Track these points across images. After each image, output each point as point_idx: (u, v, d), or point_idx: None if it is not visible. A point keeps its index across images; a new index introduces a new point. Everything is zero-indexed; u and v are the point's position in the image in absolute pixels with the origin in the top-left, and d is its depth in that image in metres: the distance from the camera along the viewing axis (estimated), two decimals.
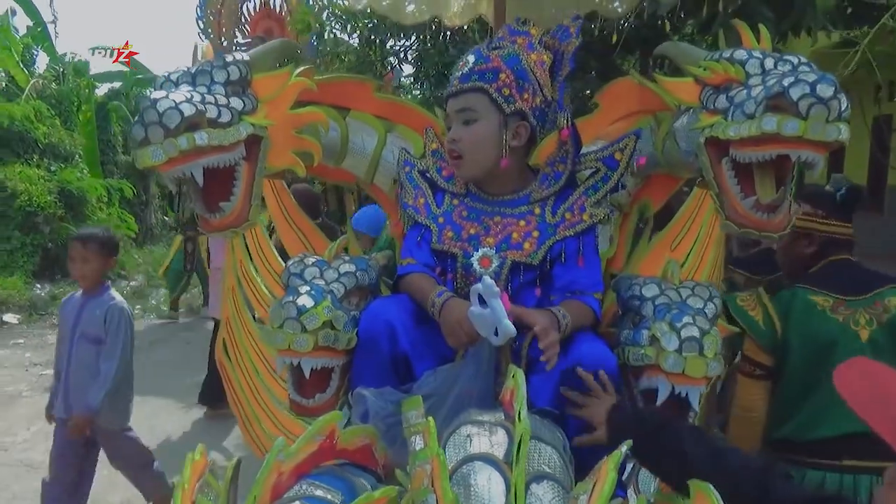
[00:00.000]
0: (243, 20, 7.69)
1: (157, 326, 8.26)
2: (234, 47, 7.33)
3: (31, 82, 13.24)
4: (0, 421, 5.04)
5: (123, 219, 11.85)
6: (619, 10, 2.91)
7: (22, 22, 15.59)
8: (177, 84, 1.77)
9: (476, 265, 1.89)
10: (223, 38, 7.54)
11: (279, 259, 2.47)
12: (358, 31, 8.57)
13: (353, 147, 2.31)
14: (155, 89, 1.76)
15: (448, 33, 6.84)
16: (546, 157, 2.03)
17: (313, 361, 1.77)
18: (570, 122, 1.93)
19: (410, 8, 2.63)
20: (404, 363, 1.80)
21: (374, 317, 1.82)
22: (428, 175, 2.11)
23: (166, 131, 1.60)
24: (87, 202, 10.29)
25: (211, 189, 1.79)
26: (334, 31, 8.58)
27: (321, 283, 1.80)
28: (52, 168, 10.20)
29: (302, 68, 2.05)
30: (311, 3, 8.00)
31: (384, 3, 2.59)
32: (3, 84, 13.25)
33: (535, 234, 1.90)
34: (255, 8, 7.73)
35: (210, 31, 7.45)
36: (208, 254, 7.31)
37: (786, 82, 1.42)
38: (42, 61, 15.56)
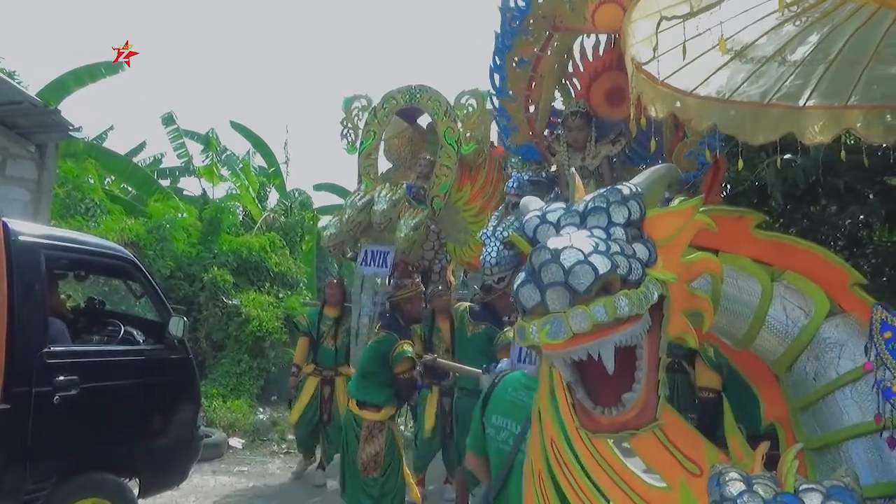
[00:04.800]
0: (569, 69, 5.11)
1: None
2: (547, 119, 5.04)
3: (263, 216, 14.58)
4: None
5: None
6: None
7: (254, 161, 17.58)
8: (558, 225, 1.32)
9: None
10: (530, 103, 4.89)
11: (623, 461, 1.85)
12: None
13: (727, 302, 1.72)
14: (529, 233, 1.32)
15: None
16: None
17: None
18: None
19: (758, 127, 2.12)
20: None
21: None
22: None
23: (573, 295, 1.12)
24: None
25: (597, 375, 1.27)
26: None
27: None
28: (280, 295, 10.75)
29: (689, 201, 1.54)
30: None
31: (732, 123, 2.10)
32: (241, 217, 14.73)
33: None
34: (594, 50, 4.94)
35: (509, 90, 4.85)
36: None
37: None
38: (273, 197, 17.32)
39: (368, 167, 7.15)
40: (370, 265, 6.20)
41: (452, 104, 6.75)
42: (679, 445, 1.82)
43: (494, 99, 5.14)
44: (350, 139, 7.25)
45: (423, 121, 7.84)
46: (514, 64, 4.74)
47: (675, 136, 4.66)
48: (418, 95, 7.00)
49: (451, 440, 5.75)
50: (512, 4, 4.65)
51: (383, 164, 7.52)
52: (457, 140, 6.63)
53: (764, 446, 1.42)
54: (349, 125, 7.27)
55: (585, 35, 4.92)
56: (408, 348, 4.47)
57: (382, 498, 4.53)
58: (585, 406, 1.29)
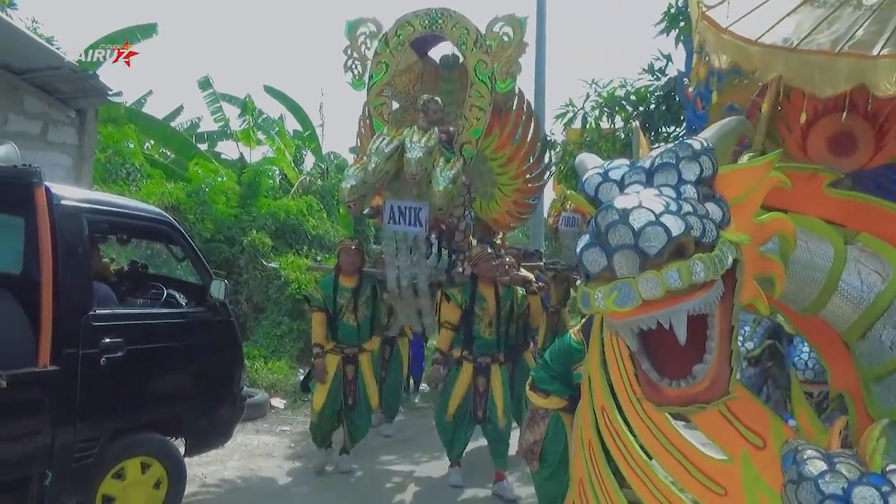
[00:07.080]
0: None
1: None
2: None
3: (300, 179, 14.62)
4: None
5: None
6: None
7: (290, 125, 17.63)
8: (622, 183, 1.22)
9: None
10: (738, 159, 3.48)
11: (679, 431, 1.78)
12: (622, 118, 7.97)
13: (797, 266, 1.61)
14: (590, 192, 1.22)
15: None
16: None
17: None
18: None
19: (831, 78, 1.96)
20: None
21: None
22: None
23: (644, 259, 1.03)
24: None
25: (665, 345, 1.18)
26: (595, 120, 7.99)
27: None
28: (318, 258, 10.81)
29: (765, 156, 1.42)
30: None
31: (798, 74, 1.94)
32: (278, 181, 14.81)
33: None
34: None
35: None
36: None
37: None
38: (309, 161, 17.36)
39: (380, 106, 6.07)
40: (399, 223, 5.23)
41: (483, 33, 5.75)
42: (740, 416, 1.74)
43: None
44: (356, 72, 6.12)
45: (435, 54, 6.78)
46: (721, 112, 3.48)
47: None
48: (440, 21, 5.89)
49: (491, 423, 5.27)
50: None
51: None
52: (490, 76, 5.66)
53: (843, 421, 1.33)
54: (354, 55, 6.13)
55: None
56: None
57: (542, 498, 3.83)
58: (651, 378, 1.21)
